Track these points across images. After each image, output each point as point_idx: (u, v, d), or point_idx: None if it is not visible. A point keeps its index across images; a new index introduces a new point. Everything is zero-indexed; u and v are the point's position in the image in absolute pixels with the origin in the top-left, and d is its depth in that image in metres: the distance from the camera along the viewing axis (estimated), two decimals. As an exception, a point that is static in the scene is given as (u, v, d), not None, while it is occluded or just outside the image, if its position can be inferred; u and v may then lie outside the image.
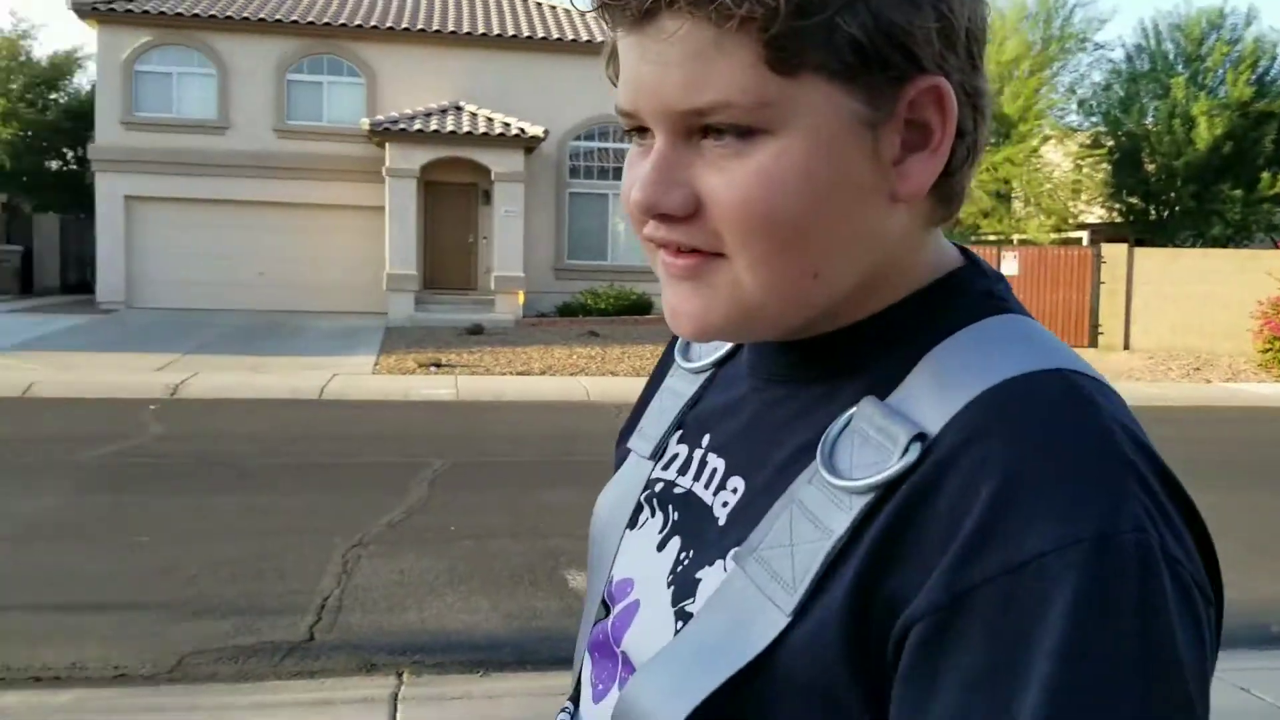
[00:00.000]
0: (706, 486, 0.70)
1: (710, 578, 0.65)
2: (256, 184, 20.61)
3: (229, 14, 20.83)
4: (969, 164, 0.65)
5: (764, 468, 0.67)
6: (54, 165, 35.15)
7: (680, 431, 0.77)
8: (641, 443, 0.80)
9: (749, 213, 0.60)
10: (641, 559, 0.72)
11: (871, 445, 0.60)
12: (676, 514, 0.71)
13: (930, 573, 0.55)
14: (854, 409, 0.63)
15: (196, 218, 20.66)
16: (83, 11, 20.58)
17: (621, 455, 0.83)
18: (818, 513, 0.61)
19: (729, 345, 0.79)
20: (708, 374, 0.80)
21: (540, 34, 21.65)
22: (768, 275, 0.62)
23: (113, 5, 20.51)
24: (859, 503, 0.59)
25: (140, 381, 11.79)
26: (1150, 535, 0.54)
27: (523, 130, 19.62)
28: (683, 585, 0.67)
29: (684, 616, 0.65)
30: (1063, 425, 0.57)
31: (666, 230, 0.63)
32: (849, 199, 0.61)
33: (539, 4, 23.94)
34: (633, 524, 0.75)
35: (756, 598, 0.61)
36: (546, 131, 19.82)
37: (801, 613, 0.59)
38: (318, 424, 9.95)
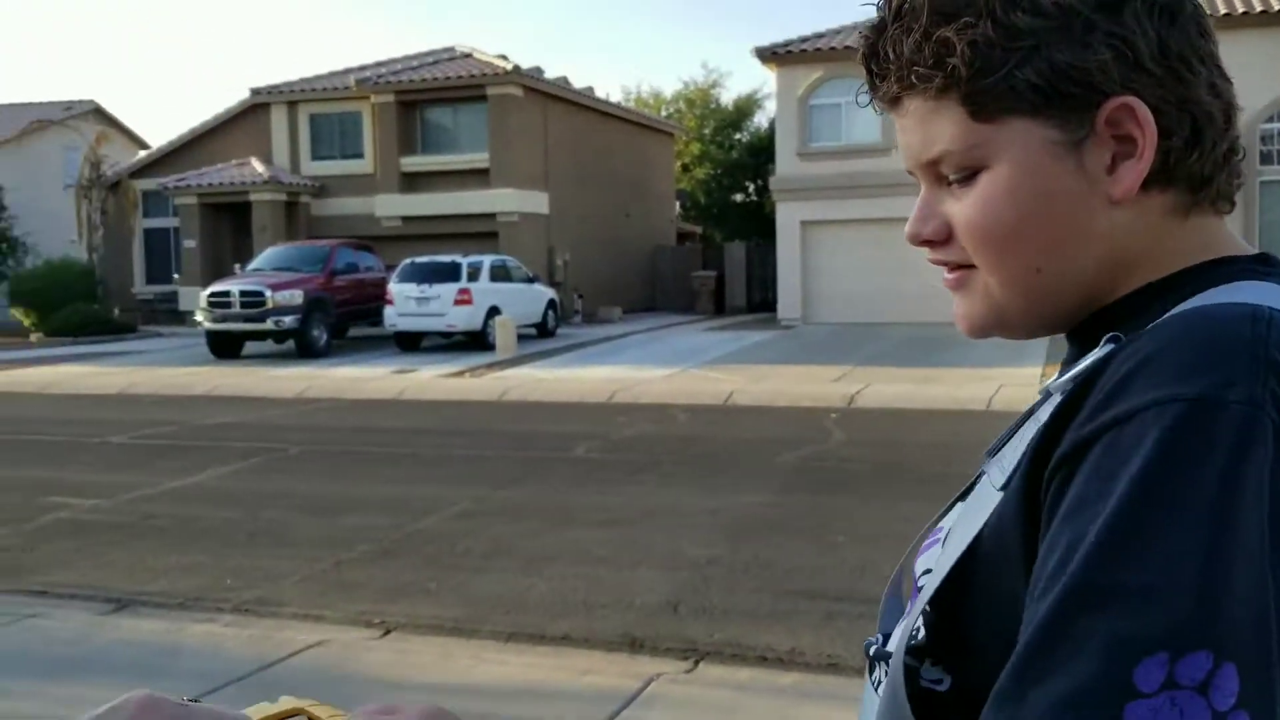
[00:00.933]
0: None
1: (975, 491, 0.79)
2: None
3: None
4: (1198, 158, 0.73)
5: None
6: (738, 198, 39.56)
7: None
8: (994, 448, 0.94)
9: (973, 229, 0.76)
10: (955, 513, 0.84)
11: (1089, 359, 0.70)
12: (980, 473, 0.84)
13: (1080, 420, 0.65)
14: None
15: (864, 237, 21.90)
16: (764, 56, 22.93)
17: None
18: (1040, 416, 0.72)
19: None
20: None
21: (1222, 9, 19.56)
22: (1001, 276, 0.77)
23: (789, 48, 22.56)
24: (1061, 396, 0.70)
25: (821, 391, 12.81)
26: (1265, 413, 0.59)
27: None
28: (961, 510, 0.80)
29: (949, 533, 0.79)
30: (1219, 328, 0.64)
31: (934, 253, 0.81)
32: (1057, 207, 0.74)
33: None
34: (963, 497, 0.87)
35: (988, 489, 0.74)
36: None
37: (1006, 486, 0.71)
38: (986, 434, 9.99)
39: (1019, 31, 0.71)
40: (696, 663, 4.53)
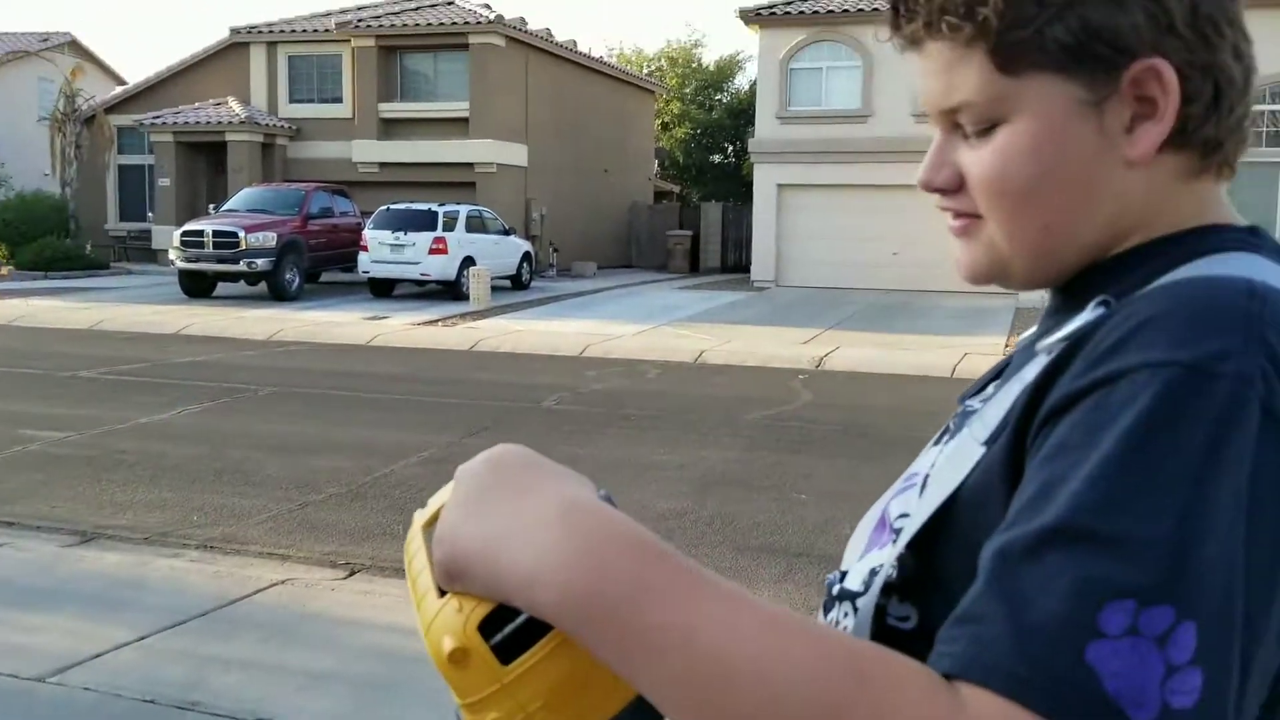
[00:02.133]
0: (985, 398, 0.83)
1: (951, 446, 0.79)
2: (894, 168, 21.30)
3: (875, 6, 21.73)
4: (1214, 122, 0.73)
5: (1016, 370, 0.78)
6: (716, 159, 39.45)
7: (998, 376, 0.90)
8: (967, 394, 0.96)
9: (989, 182, 0.76)
10: (926, 457, 0.86)
11: (1077, 320, 0.71)
12: (958, 420, 0.85)
13: (1071, 379, 0.65)
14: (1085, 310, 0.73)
15: (839, 202, 21.99)
16: (748, 18, 22.80)
17: None
18: (1026, 375, 0.73)
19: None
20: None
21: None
22: (1010, 230, 0.76)
23: (773, 9, 22.45)
24: (1048, 357, 0.70)
25: (790, 353, 12.92)
26: (1254, 389, 0.60)
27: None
28: (937, 457, 0.81)
29: (927, 479, 0.80)
30: (1218, 300, 0.65)
31: (944, 200, 0.81)
32: (1076, 166, 0.73)
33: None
34: (936, 443, 0.89)
35: (968, 443, 0.75)
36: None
37: (991, 442, 0.72)
38: (950, 400, 10.13)
39: None
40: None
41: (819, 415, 9.31)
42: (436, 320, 16.08)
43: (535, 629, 0.61)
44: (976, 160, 0.76)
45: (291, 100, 26.83)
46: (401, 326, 15.34)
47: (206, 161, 26.64)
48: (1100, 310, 0.70)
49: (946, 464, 0.76)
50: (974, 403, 0.86)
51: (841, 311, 17.73)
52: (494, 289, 19.18)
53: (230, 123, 25.52)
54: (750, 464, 7.45)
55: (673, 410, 9.44)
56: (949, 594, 0.66)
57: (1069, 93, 0.72)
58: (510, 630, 0.62)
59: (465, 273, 19.00)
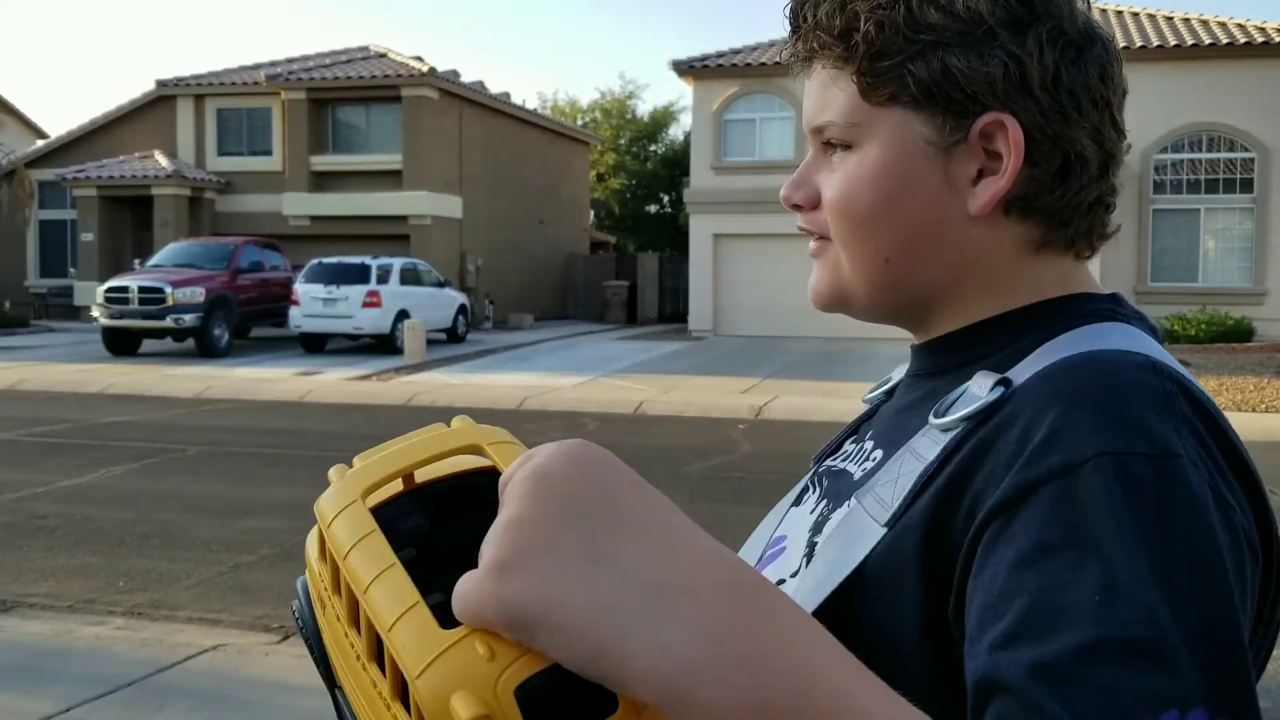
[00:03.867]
0: (857, 463, 0.82)
1: (837, 517, 0.77)
2: (827, 217, 21.71)
3: (805, 59, 22.21)
4: (1060, 195, 0.75)
5: (900, 439, 0.77)
6: (652, 209, 39.77)
7: (854, 434, 0.91)
8: (824, 453, 0.95)
9: (833, 203, 0.78)
10: (794, 521, 0.84)
11: (973, 397, 0.71)
12: (827, 483, 0.84)
13: (1000, 475, 0.64)
14: (971, 380, 0.73)
15: (775, 251, 22.21)
16: (681, 69, 23.12)
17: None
18: (922, 451, 0.72)
19: (902, 374, 0.90)
20: (887, 389, 0.92)
21: (1122, 43, 20.35)
22: (850, 254, 0.78)
23: (705, 62, 22.79)
24: (948, 436, 0.70)
25: (730, 403, 12.94)
26: (1201, 472, 0.61)
27: (1101, 147, 18.56)
28: (816, 527, 0.79)
29: (812, 548, 0.77)
30: (1131, 379, 0.65)
31: (802, 218, 0.83)
32: (916, 203, 0.75)
33: (1119, 11, 22.52)
34: (798, 503, 0.87)
35: (865, 521, 0.72)
36: (1128, 145, 18.49)
37: (895, 523, 0.70)
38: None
39: (925, 26, 0.73)
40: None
41: (760, 465, 9.30)
42: (371, 375, 15.84)
43: (569, 696, 0.46)
44: (828, 181, 0.79)
45: (220, 153, 26.55)
46: (335, 382, 15.09)
47: (132, 216, 26.16)
48: (999, 391, 0.69)
49: (838, 541, 0.74)
50: (835, 462, 0.86)
51: (780, 359, 17.84)
52: (429, 342, 19.00)
53: (156, 176, 25.13)
54: (692, 515, 7.37)
55: (614, 461, 9.35)
56: None
57: (920, 131, 0.75)
58: (545, 692, 0.45)
59: (399, 326, 18.80)
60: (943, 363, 0.80)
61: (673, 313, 27.95)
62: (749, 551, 0.88)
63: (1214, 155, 20.61)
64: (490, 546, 0.47)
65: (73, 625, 5.09)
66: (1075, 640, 0.55)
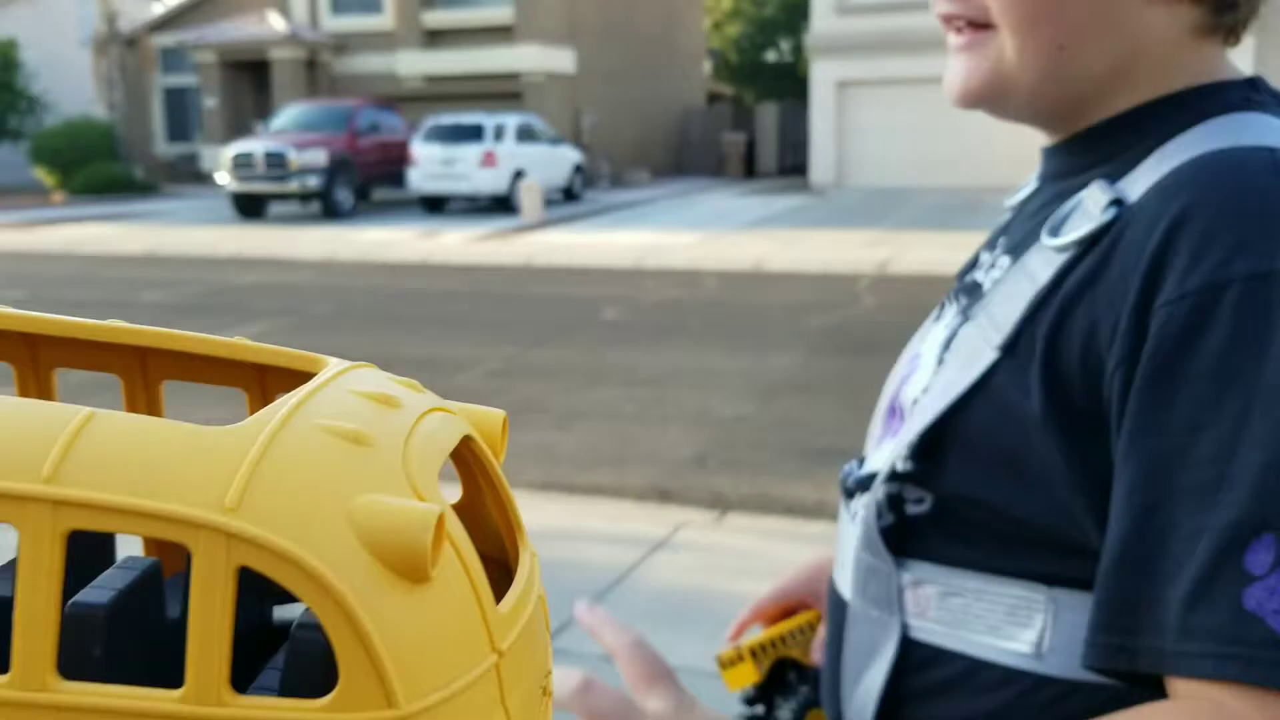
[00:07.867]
0: (986, 272, 0.81)
1: (964, 332, 0.77)
2: (957, 60, 20.59)
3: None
4: None
5: (1022, 248, 0.77)
6: (771, 57, 38.46)
7: (991, 245, 0.88)
8: (964, 269, 0.92)
9: None
10: (930, 335, 0.85)
11: (1087, 215, 0.70)
12: (963, 298, 0.83)
13: (1126, 298, 0.64)
14: (1085, 189, 0.72)
15: (902, 97, 21.24)
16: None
17: None
18: (1034, 269, 0.72)
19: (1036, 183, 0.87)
20: (1023, 198, 0.89)
21: None
22: (1022, 42, 0.73)
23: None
24: (1062, 257, 0.70)
25: (853, 256, 12.61)
26: None
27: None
28: (946, 343, 0.80)
29: (941, 364, 0.78)
30: (1268, 192, 0.63)
31: (952, 5, 0.76)
32: None
33: None
34: (937, 319, 0.87)
35: (979, 341, 0.74)
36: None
37: (1009, 349, 0.71)
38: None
39: None
40: (724, 512, 4.56)
41: (883, 318, 9.07)
42: (490, 235, 15.94)
43: None
44: None
45: (333, 12, 26.47)
46: (455, 243, 15.23)
47: (251, 80, 26.46)
48: (1112, 211, 0.68)
49: (955, 361, 0.76)
50: (971, 275, 0.85)
51: (906, 212, 17.27)
52: (546, 201, 18.95)
53: (273, 39, 25.26)
54: (813, 369, 7.27)
55: (732, 318, 9.27)
56: (963, 474, 0.72)
57: None
58: None
59: (516, 185, 18.77)
60: (1071, 165, 0.79)
61: (793, 165, 27.23)
62: (898, 369, 0.89)
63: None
64: None
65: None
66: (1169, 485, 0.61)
